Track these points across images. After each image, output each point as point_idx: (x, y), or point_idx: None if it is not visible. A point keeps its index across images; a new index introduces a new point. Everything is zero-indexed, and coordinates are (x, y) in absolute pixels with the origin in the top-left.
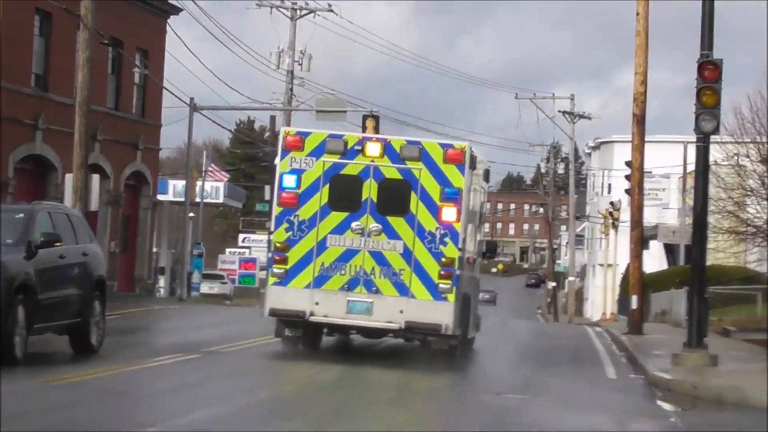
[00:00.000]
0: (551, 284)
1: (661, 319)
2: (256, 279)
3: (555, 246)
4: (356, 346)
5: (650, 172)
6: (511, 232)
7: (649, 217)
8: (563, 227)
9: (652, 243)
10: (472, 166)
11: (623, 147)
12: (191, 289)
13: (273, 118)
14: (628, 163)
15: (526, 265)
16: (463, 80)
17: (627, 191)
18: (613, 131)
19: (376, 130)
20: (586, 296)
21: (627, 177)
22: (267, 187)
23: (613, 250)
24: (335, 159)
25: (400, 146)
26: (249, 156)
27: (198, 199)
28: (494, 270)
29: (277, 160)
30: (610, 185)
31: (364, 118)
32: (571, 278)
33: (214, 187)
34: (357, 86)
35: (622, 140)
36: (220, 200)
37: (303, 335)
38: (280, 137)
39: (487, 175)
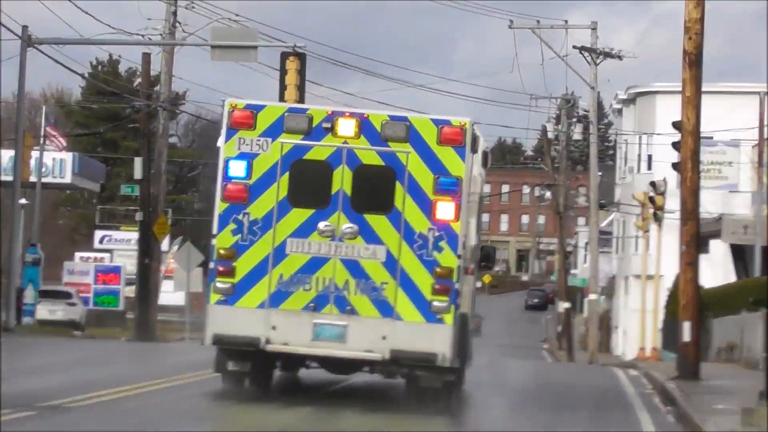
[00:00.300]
0: (563, 305)
1: (728, 357)
2: (120, 298)
3: (569, 249)
4: (316, 383)
5: (710, 138)
6: (504, 227)
7: (709, 204)
8: (581, 220)
9: (714, 244)
10: (474, 149)
11: (669, 100)
12: (22, 313)
13: (147, 57)
14: (677, 125)
15: (525, 277)
16: (434, 3)
17: (675, 166)
18: (655, 77)
19: (302, 74)
20: (616, 323)
21: (675, 145)
22: (138, 161)
23: (655, 255)
24: (297, 140)
25: (381, 123)
26: (110, 114)
27: (33, 178)
28: (478, 284)
29: (220, 142)
30: (650, 158)
31: (283, 57)
32: (592, 296)
33: (57, 161)
34: (273, 11)
35: (667, 90)
36: (67, 180)
37: (251, 370)
38: (225, 112)
39: (485, 159)
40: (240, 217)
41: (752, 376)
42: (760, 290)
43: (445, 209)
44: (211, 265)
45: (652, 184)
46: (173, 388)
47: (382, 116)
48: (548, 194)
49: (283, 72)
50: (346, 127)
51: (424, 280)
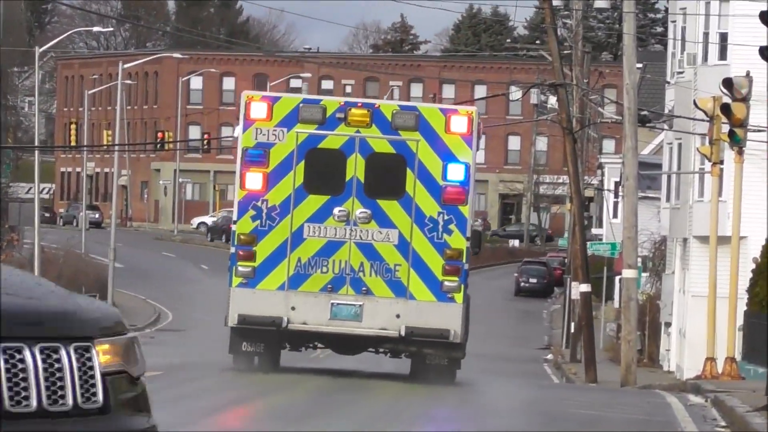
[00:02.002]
0: (579, 289)
1: None
2: None
3: (589, 194)
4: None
5: None
6: (478, 157)
7: None
8: (608, 146)
9: None
10: (479, 135)
11: None
12: None
13: None
14: None
15: (514, 242)
16: None
17: (765, 52)
18: None
19: None
20: (668, 318)
21: (766, 16)
22: None
23: (732, 203)
24: (311, 130)
25: (391, 113)
26: None
27: None
28: None
29: (238, 132)
30: (724, 39)
31: None
32: (628, 273)
33: None
34: None
35: None
36: None
37: (264, 350)
38: (242, 103)
39: (478, 135)
40: (259, 204)
41: None
42: None
43: (454, 193)
44: (232, 249)
45: (727, 83)
46: None
47: (393, 106)
48: (553, 101)
49: None
50: (359, 117)
51: (435, 262)
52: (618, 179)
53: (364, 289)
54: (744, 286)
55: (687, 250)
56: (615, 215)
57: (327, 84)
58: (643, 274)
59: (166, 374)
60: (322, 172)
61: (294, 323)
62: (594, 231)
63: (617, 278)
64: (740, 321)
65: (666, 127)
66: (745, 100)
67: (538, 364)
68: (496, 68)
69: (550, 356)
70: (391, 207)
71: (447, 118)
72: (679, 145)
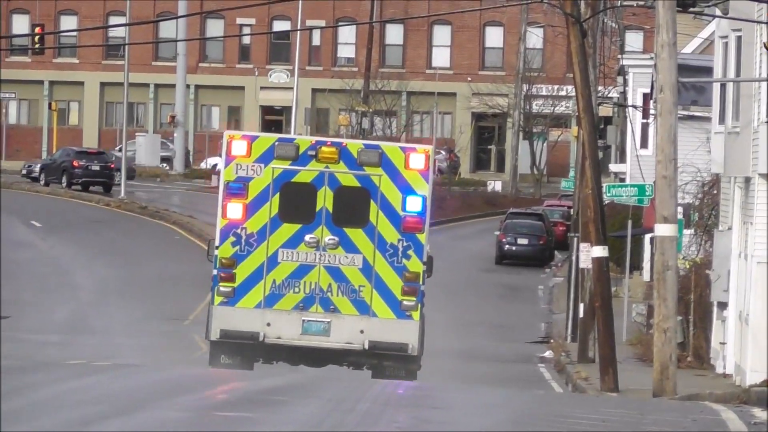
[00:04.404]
0: (592, 253)
1: None
2: None
3: (604, 113)
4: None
5: None
6: (439, 59)
7: None
8: (633, 39)
9: None
10: (434, 171)
11: None
12: None
13: None
14: None
15: (495, 184)
16: None
17: None
18: None
19: None
20: (720, 294)
21: None
22: None
23: None
24: (286, 165)
25: (357, 150)
26: None
27: None
28: None
29: (220, 167)
30: None
31: None
32: (664, 229)
33: None
34: None
35: None
36: None
37: (241, 363)
38: (224, 142)
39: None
40: (238, 231)
41: None
42: None
43: (412, 223)
44: (215, 272)
45: None
46: None
47: (358, 145)
48: None
49: None
50: (328, 154)
51: (395, 283)
52: (648, 90)
53: (331, 307)
54: None
55: (750, 195)
56: (644, 144)
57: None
58: (686, 232)
59: None
60: (295, 203)
61: (270, 337)
62: (613, 168)
63: (647, 238)
64: None
65: (719, 12)
66: None
67: (531, 365)
68: None
69: (548, 353)
70: (356, 234)
71: (406, 156)
72: (738, 39)
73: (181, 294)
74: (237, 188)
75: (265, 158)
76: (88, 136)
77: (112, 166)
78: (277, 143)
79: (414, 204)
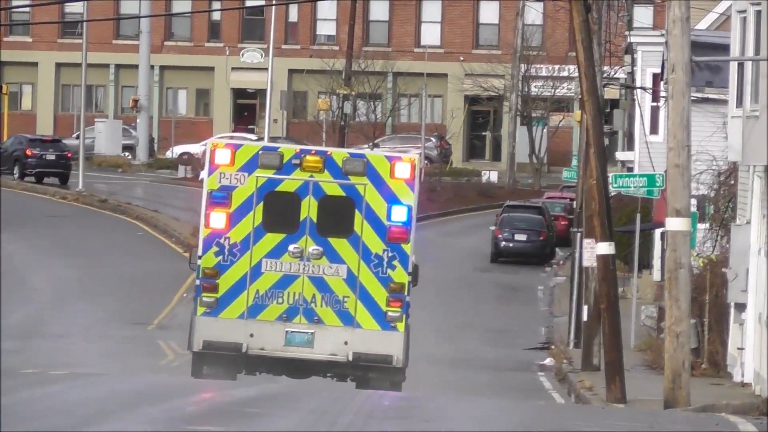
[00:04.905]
0: (597, 250)
1: None
2: None
3: (610, 95)
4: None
5: None
6: (429, 36)
7: None
8: (643, 14)
9: None
10: (420, 180)
11: None
12: None
13: None
14: None
15: (490, 174)
16: None
17: None
18: None
19: None
20: (738, 295)
21: None
22: None
23: None
24: (270, 174)
25: (342, 159)
26: None
27: None
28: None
29: (203, 176)
30: None
31: None
32: (676, 222)
33: None
34: None
35: None
36: None
37: (223, 374)
38: (207, 150)
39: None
40: (222, 241)
41: None
42: None
43: (397, 233)
44: (197, 282)
45: None
46: None
47: (343, 153)
48: None
49: None
50: (313, 163)
51: (380, 294)
52: (658, 70)
53: (315, 318)
54: None
55: None
56: (654, 130)
57: None
58: (700, 226)
59: None
60: (279, 212)
61: (253, 349)
62: (620, 156)
63: (658, 233)
64: None
65: None
66: None
67: (530, 373)
68: None
69: (549, 360)
70: (340, 244)
71: (392, 165)
72: (757, 14)
73: (146, 296)
74: (220, 197)
75: (249, 167)
76: (42, 123)
77: (69, 155)
78: (261, 152)
79: (399, 214)
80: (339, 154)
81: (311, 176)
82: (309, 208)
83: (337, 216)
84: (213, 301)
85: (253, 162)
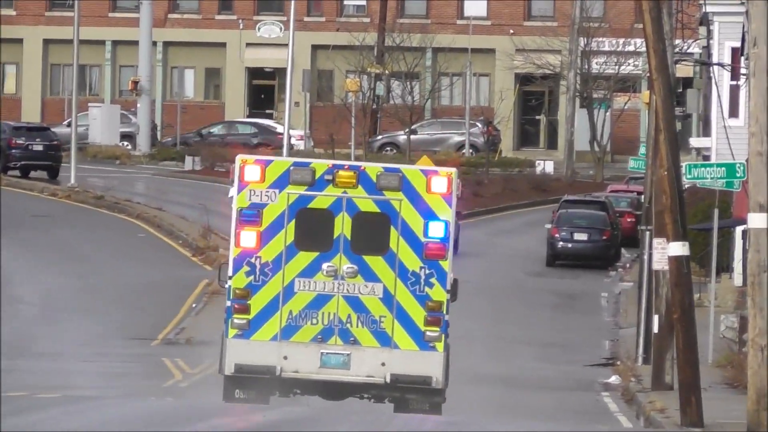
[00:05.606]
0: (668, 251)
1: None
2: None
3: (683, 73)
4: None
5: None
6: (473, 8)
7: None
8: None
9: None
10: (458, 194)
11: None
12: None
13: None
14: None
15: (545, 165)
16: None
17: None
18: None
19: None
20: None
21: None
22: None
23: None
24: (301, 191)
25: (376, 174)
26: None
27: None
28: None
29: (232, 193)
30: None
31: None
32: (759, 221)
33: None
34: None
35: None
36: None
37: (256, 397)
38: (236, 167)
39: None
40: (252, 260)
41: None
42: None
43: (434, 249)
44: (228, 303)
45: None
46: None
47: (377, 168)
48: None
49: None
50: (346, 179)
51: (417, 313)
52: (738, 44)
53: (351, 339)
54: None
55: None
56: (733, 113)
57: None
58: None
59: None
60: (312, 230)
61: (286, 371)
62: (694, 142)
63: (739, 231)
64: None
65: None
66: None
67: (592, 393)
68: None
69: (614, 379)
70: (376, 262)
71: (428, 179)
72: None
73: (149, 307)
74: (251, 215)
75: (280, 183)
76: (28, 108)
77: (59, 145)
78: (292, 168)
79: (436, 230)
80: (373, 168)
81: (344, 192)
82: (343, 225)
83: (372, 233)
84: (245, 323)
85: (284, 178)
